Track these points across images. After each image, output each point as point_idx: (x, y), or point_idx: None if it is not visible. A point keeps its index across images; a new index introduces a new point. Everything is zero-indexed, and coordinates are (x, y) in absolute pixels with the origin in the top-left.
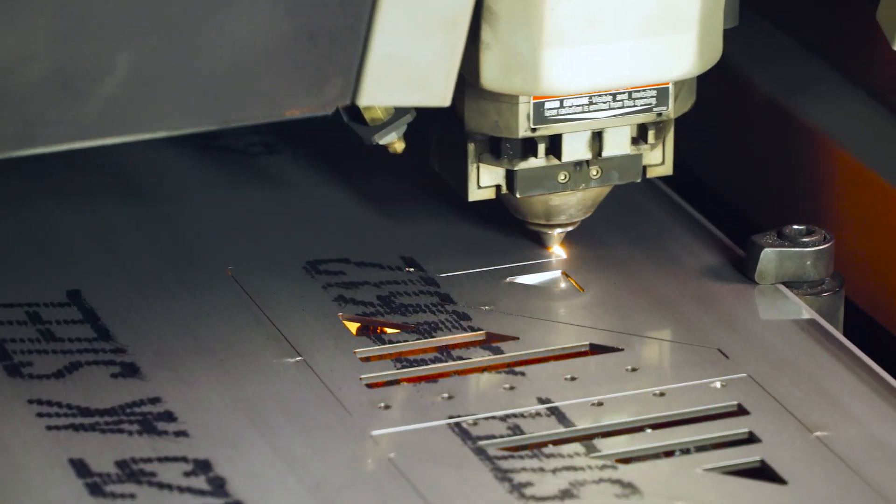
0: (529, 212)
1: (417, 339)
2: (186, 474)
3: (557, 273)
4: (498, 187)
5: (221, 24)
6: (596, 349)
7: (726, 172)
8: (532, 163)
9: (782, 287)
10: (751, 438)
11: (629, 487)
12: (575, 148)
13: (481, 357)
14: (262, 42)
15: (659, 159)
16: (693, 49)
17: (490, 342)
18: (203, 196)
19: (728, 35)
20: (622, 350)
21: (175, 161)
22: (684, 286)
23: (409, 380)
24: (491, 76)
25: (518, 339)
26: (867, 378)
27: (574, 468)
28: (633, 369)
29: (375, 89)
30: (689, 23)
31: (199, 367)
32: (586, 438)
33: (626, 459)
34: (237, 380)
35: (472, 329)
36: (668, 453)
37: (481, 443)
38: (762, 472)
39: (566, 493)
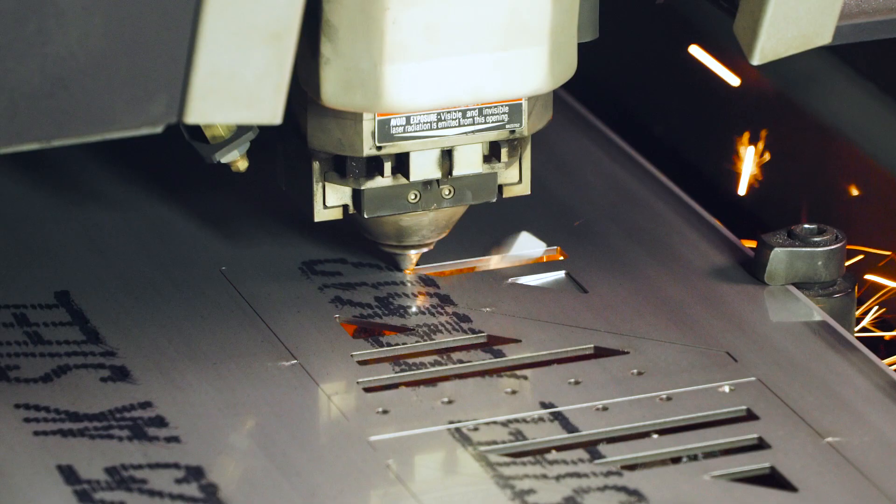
0: (380, 233)
1: (416, 342)
2: (178, 481)
3: (561, 274)
4: (345, 207)
5: (34, 38)
6: (600, 352)
7: (734, 170)
8: (379, 182)
9: (793, 288)
10: (760, 444)
11: (635, 495)
12: (423, 167)
13: (482, 360)
14: (79, 57)
15: (515, 178)
16: (545, 63)
17: (491, 345)
18: (195, 194)
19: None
20: (627, 353)
21: (167, 158)
22: (692, 287)
23: (408, 384)
24: (331, 92)
25: (520, 341)
26: (881, 382)
27: (578, 475)
28: (639, 373)
29: (202, 106)
30: (539, 36)
31: (191, 371)
32: (590, 444)
33: (631, 466)
34: (231, 384)
35: (473, 331)
36: (675, 459)
37: (482, 449)
38: (772, 480)
39: (570, 501)
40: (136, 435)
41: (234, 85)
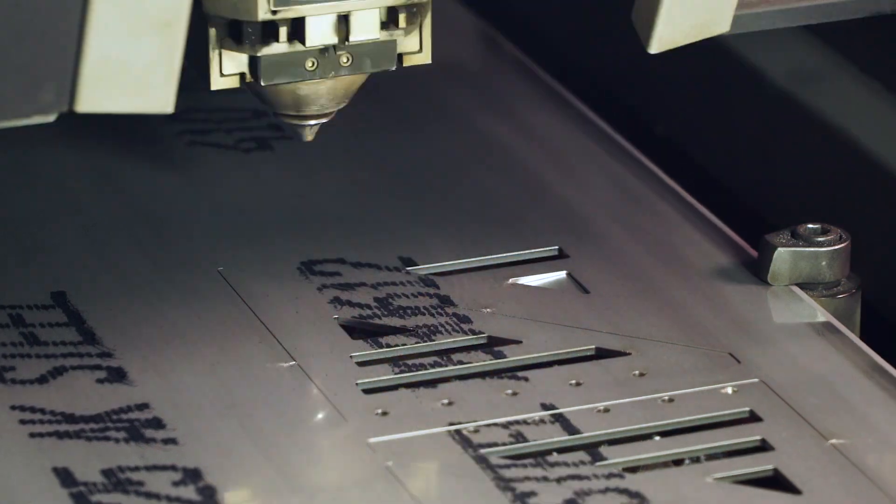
0: (277, 101)
1: (416, 343)
2: (175, 483)
3: (562, 274)
4: (242, 76)
5: None
6: (602, 353)
7: (738, 168)
8: (276, 48)
9: (796, 289)
10: (763, 446)
11: (637, 497)
12: (320, 32)
13: (482, 361)
14: None
15: (416, 46)
16: None
17: (492, 346)
18: (192, 194)
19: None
20: (629, 354)
21: (163, 158)
22: (694, 287)
23: (408, 385)
24: None
25: (521, 342)
26: (885, 383)
27: (579, 477)
28: (641, 374)
29: (94, 94)
30: None
31: (188, 372)
32: (592, 446)
33: (633, 468)
34: (228, 385)
35: (473, 332)
36: (678, 462)
37: (483, 451)
38: (775, 482)
39: (571, 503)
40: (132, 437)
41: (125, 73)
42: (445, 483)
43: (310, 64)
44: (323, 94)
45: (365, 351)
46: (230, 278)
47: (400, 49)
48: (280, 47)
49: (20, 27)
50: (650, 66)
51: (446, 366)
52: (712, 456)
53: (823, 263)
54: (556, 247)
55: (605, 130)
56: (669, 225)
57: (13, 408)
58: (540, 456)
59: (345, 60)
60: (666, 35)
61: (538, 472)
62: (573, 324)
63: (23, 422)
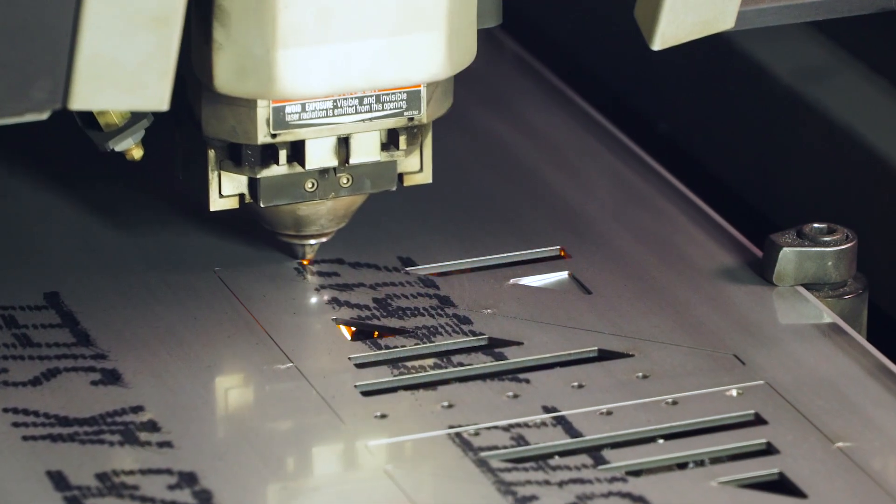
0: (277, 222)
1: (416, 345)
2: (171, 487)
3: (564, 274)
4: (242, 196)
5: None
6: (604, 355)
7: (742, 167)
8: (275, 170)
9: (802, 289)
10: (769, 450)
11: (640, 501)
12: (320, 155)
13: (483, 363)
14: None
15: (416, 166)
16: (442, 49)
17: (492, 347)
18: (188, 193)
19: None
20: (632, 356)
21: (160, 157)
22: (698, 288)
23: (407, 387)
24: (224, 79)
25: (522, 344)
26: (892, 385)
27: (582, 481)
28: (644, 376)
29: (87, 92)
30: (435, 21)
31: (184, 374)
32: (594, 449)
33: (636, 472)
34: (225, 387)
35: (474, 333)
36: (682, 465)
37: (483, 454)
38: (781, 486)
39: None
40: (127, 440)
41: (118, 70)
42: (445, 487)
43: (309, 185)
44: (323, 215)
45: (363, 352)
46: (226, 279)
47: (400, 169)
48: (279, 169)
49: (13, 24)
50: (653, 63)
51: (446, 367)
52: (717, 459)
53: (829, 264)
54: (558, 247)
55: (607, 128)
56: (673, 224)
57: (6, 410)
58: (541, 459)
59: (345, 181)
60: (669, 32)
61: (540, 475)
62: (575, 325)
63: (16, 424)
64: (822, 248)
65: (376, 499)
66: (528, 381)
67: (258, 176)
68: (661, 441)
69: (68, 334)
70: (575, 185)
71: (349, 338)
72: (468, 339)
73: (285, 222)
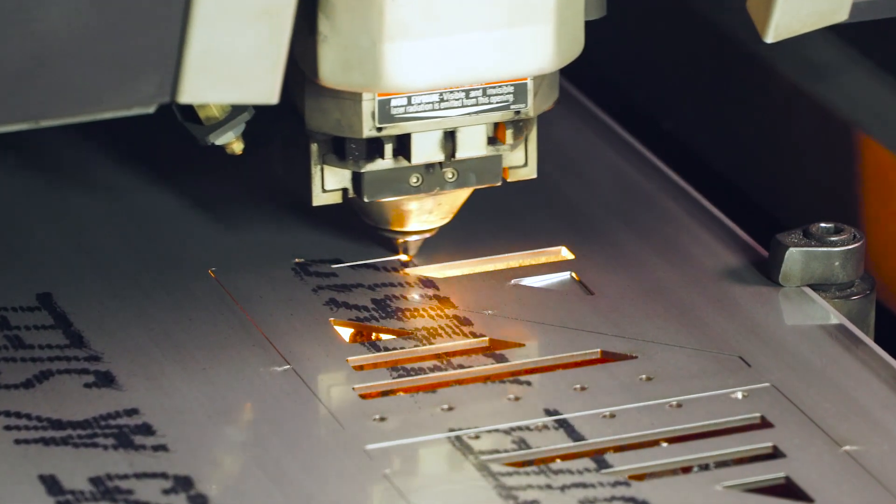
0: (380, 217)
1: (415, 346)
2: (166, 492)
3: (566, 275)
4: (345, 191)
5: (16, 15)
6: (608, 357)
7: (748, 166)
8: (380, 164)
9: (808, 290)
10: (775, 453)
11: None
12: (426, 149)
13: (484, 365)
14: (67, 34)
15: (521, 161)
16: (550, 41)
17: (493, 349)
18: (184, 191)
19: (748, 18)
20: (636, 358)
21: (154, 154)
22: (703, 289)
23: (406, 390)
24: (329, 71)
25: (523, 345)
26: None
27: (584, 485)
28: (648, 378)
29: (196, 85)
30: (544, 13)
31: (179, 376)
32: (597, 453)
33: (639, 476)
34: (221, 390)
35: (474, 335)
36: (686, 469)
37: (484, 458)
38: (787, 490)
39: None
40: (121, 443)
41: (229, 63)
42: (445, 491)
43: (414, 180)
44: (427, 209)
45: (362, 354)
46: (222, 279)
47: (504, 163)
48: (385, 164)
49: (123, 17)
50: (657, 60)
51: (446, 370)
52: (722, 463)
53: (836, 264)
54: (561, 247)
55: (610, 126)
56: (677, 224)
57: None
58: (543, 463)
59: (450, 176)
60: (783, 24)
61: (541, 479)
62: (578, 326)
63: (8, 428)
64: (829, 248)
65: (375, 503)
66: (529, 383)
67: (362, 170)
68: (664, 444)
69: (61, 336)
70: (578, 184)
71: (347, 339)
72: (469, 340)
73: (388, 217)
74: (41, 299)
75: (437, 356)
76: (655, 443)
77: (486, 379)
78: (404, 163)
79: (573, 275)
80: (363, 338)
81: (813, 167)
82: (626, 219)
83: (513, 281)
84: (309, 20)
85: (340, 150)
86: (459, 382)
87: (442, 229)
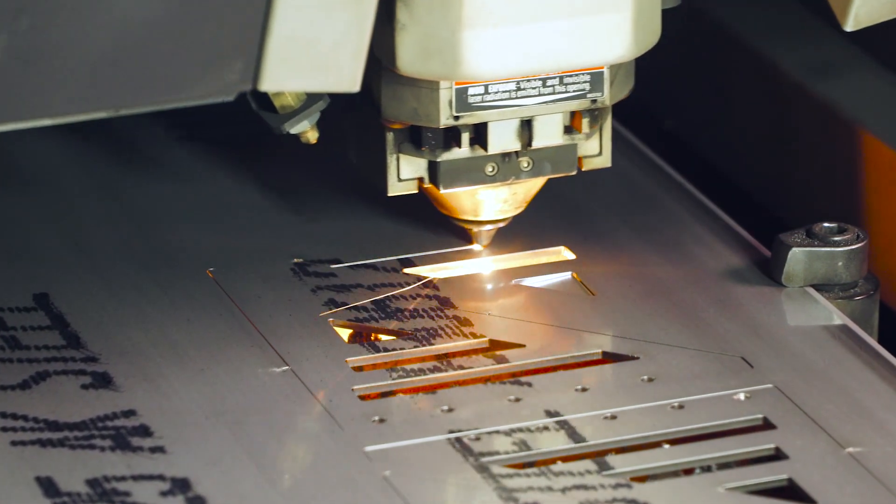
0: (455, 206)
1: (415, 347)
2: (163, 494)
3: (567, 275)
4: (420, 180)
5: (99, 3)
6: (609, 357)
7: (750, 165)
8: (456, 153)
9: (812, 290)
10: (777, 455)
11: None
12: (502, 138)
13: (484, 366)
14: (152, 21)
15: (596, 150)
16: (628, 30)
17: (494, 350)
18: (183, 191)
19: (751, 16)
20: (637, 358)
21: (151, 153)
22: (705, 289)
23: (406, 391)
24: (407, 60)
25: (524, 346)
26: None
27: (585, 487)
28: (650, 379)
29: (278, 73)
30: (621, 1)
31: (177, 378)
32: (598, 455)
33: (641, 477)
34: (219, 391)
35: (475, 336)
36: (688, 471)
37: (484, 459)
38: (790, 492)
39: None
40: (118, 445)
41: (311, 50)
42: (445, 493)
43: (490, 169)
44: (502, 199)
45: (361, 355)
46: (220, 280)
47: (580, 152)
48: (461, 153)
49: (206, 4)
50: (659, 59)
51: (446, 371)
52: (724, 465)
53: (840, 264)
54: (561, 247)
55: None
56: (679, 224)
57: None
58: (544, 465)
59: (525, 165)
60: (863, 12)
61: (542, 481)
62: (578, 327)
63: (4, 429)
64: (833, 248)
65: None
66: (530, 384)
67: (439, 159)
68: (666, 446)
69: (58, 336)
70: (579, 184)
71: (346, 340)
72: (469, 341)
73: (463, 206)
74: (38, 300)
75: (437, 357)
76: (657, 444)
77: (487, 380)
78: (480, 152)
79: (574, 275)
80: (362, 338)
81: (816, 166)
82: (627, 218)
83: (513, 281)
84: (387, 8)
85: (417, 139)
86: (459, 383)
87: (442, 229)
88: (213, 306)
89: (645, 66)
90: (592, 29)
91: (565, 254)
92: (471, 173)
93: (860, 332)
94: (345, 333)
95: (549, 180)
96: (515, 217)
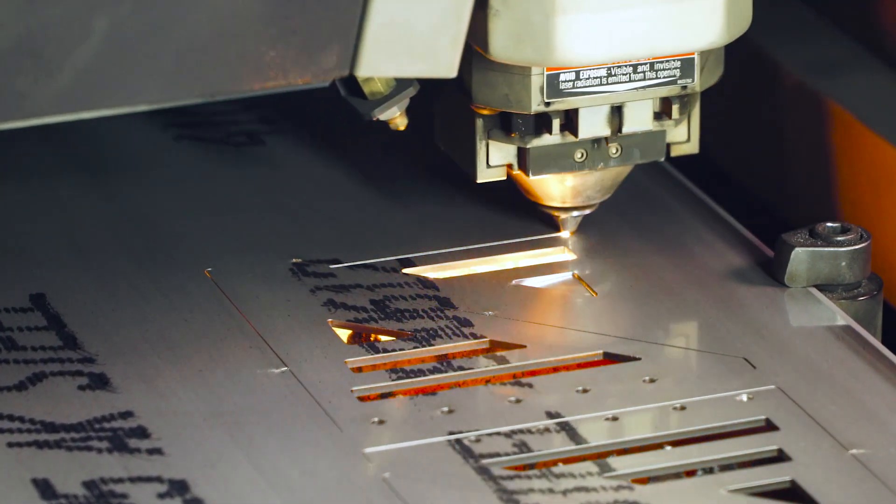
0: (543, 193)
1: (414, 348)
2: (161, 496)
3: (568, 275)
4: (509, 166)
5: None
6: (610, 358)
7: (753, 164)
8: (546, 140)
9: (815, 290)
10: (780, 456)
11: None
12: (593, 124)
13: (484, 367)
14: (248, 5)
15: (684, 136)
16: (720, 16)
17: (494, 351)
18: (180, 191)
19: (754, 14)
20: (639, 359)
21: (150, 152)
22: (707, 289)
23: (406, 392)
24: (500, 45)
25: (525, 347)
26: None
27: (586, 489)
28: (651, 380)
29: (376, 58)
30: None
31: (175, 379)
32: (600, 456)
33: (643, 479)
34: (217, 392)
35: (475, 336)
36: (690, 473)
37: (485, 461)
38: (792, 494)
39: None
40: (116, 447)
41: (410, 36)
42: (445, 496)
43: (579, 155)
44: (590, 186)
45: (360, 356)
46: (219, 280)
47: (668, 139)
48: (551, 139)
49: None
50: None
51: (446, 372)
52: (726, 467)
53: (843, 264)
54: (562, 247)
55: None
56: (680, 224)
57: None
58: (545, 467)
59: (614, 151)
60: None
61: (543, 483)
62: (580, 327)
63: (0, 431)
64: (836, 248)
65: None
66: (530, 385)
67: (528, 146)
68: (668, 448)
69: (55, 337)
70: None
71: (345, 341)
72: (469, 342)
73: (551, 193)
74: (34, 300)
75: (437, 358)
76: (659, 446)
77: (487, 381)
78: (570, 138)
79: (575, 275)
80: (362, 339)
81: (819, 166)
82: (628, 218)
83: (514, 281)
84: None
85: (507, 125)
86: (459, 384)
87: (442, 228)
88: (211, 307)
89: None
90: (684, 15)
91: (566, 254)
92: (560, 160)
93: (864, 332)
94: (344, 334)
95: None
96: (516, 217)
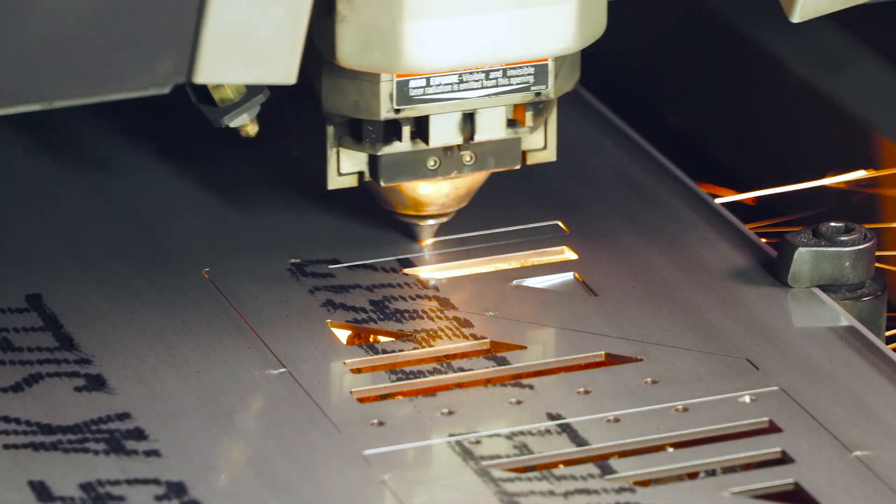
0: (396, 201)
1: (414, 349)
2: (158, 498)
3: (569, 275)
4: (361, 174)
5: None
6: (612, 359)
7: (756, 164)
8: (397, 147)
9: (818, 291)
10: (783, 458)
11: None
12: (444, 131)
13: (485, 368)
14: (81, 11)
15: (540, 143)
16: (573, 22)
17: (495, 352)
18: (177, 190)
19: (757, 12)
20: (640, 360)
21: (147, 152)
22: (709, 289)
23: (405, 393)
24: (348, 52)
25: (525, 348)
26: None
27: (588, 491)
28: (653, 381)
29: (213, 65)
30: None
31: (172, 380)
32: (601, 458)
33: (645, 482)
34: (215, 393)
35: (475, 337)
36: (692, 475)
37: (485, 463)
38: (796, 496)
39: None
40: (113, 448)
41: (247, 43)
42: (445, 497)
43: (431, 163)
44: (444, 194)
45: (360, 357)
46: (217, 280)
47: (524, 146)
48: (402, 146)
49: None
50: (663, 56)
51: (446, 373)
52: (729, 469)
53: (847, 264)
54: (563, 247)
55: (614, 123)
56: (683, 223)
57: None
58: (546, 469)
59: (468, 159)
60: (809, 3)
61: (544, 485)
62: (581, 328)
63: None
64: (839, 248)
65: None
66: (531, 386)
67: (379, 153)
68: (670, 450)
69: (51, 338)
70: (581, 182)
71: (345, 342)
72: (469, 342)
73: (404, 201)
74: (30, 300)
75: (437, 359)
76: (661, 448)
77: (487, 382)
78: (422, 145)
79: (576, 275)
80: (361, 340)
81: (822, 165)
82: (630, 218)
83: (514, 282)
84: (327, 0)
85: (357, 132)
86: (460, 386)
87: (442, 227)
88: (208, 307)
89: (649, 63)
90: (536, 20)
91: (567, 254)
92: (412, 167)
93: (868, 333)
94: (343, 335)
95: (550, 179)
96: (516, 216)
